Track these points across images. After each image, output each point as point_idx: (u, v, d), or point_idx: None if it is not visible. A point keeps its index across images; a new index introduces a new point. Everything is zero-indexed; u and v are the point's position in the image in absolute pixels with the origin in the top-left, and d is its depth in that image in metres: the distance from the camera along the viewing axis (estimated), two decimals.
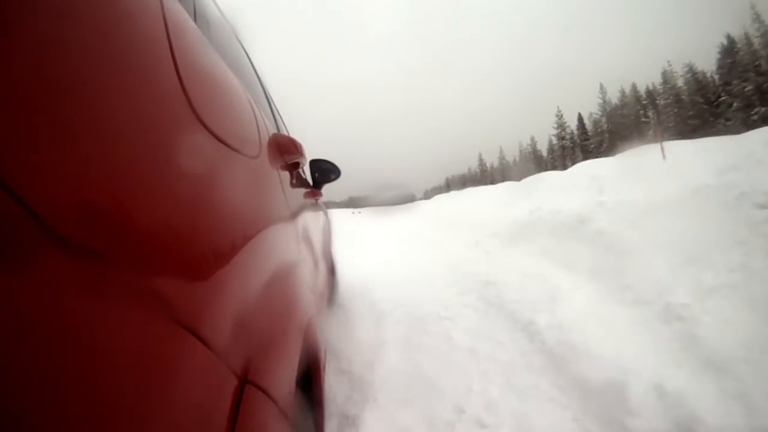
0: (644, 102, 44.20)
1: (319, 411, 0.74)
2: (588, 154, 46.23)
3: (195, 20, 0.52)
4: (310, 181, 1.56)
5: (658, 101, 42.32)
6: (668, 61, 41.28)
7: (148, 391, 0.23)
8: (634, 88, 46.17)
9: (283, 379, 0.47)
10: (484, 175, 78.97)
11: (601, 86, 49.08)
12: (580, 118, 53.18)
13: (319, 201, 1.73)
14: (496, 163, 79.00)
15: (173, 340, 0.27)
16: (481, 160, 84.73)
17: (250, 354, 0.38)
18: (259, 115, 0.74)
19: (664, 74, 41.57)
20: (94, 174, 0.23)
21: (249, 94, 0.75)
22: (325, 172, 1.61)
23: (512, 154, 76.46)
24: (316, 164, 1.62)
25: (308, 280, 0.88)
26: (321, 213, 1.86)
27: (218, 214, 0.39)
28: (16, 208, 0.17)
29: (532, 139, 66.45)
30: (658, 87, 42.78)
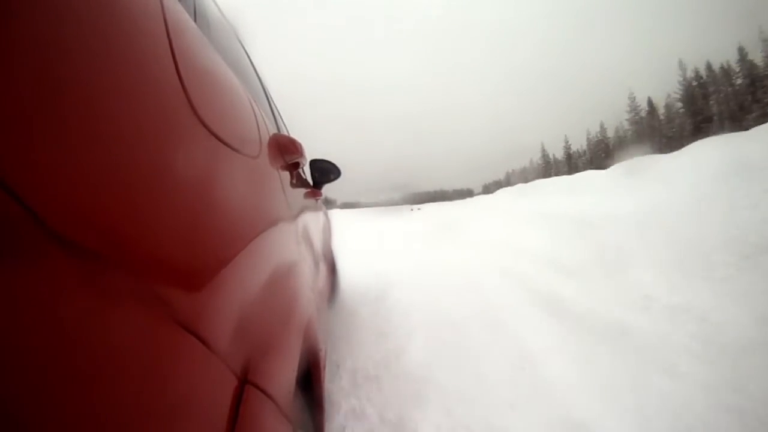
0: (733, 79, 38.96)
1: (319, 411, 0.74)
2: (670, 140, 41.11)
3: (195, 20, 0.52)
4: (311, 181, 1.56)
5: (734, 79, 38.64)
6: (760, 27, 35.96)
7: (148, 391, 0.23)
8: (709, 66, 40.53)
9: (283, 379, 0.47)
10: (548, 167, 72.11)
11: (680, 63, 42.27)
12: (650, 102, 47.62)
13: (318, 201, 1.73)
14: (560, 154, 71.33)
15: (173, 340, 0.27)
16: (543, 151, 76.38)
17: (250, 354, 0.38)
18: (259, 115, 0.74)
19: (740, 50, 38.06)
20: (94, 174, 0.22)
21: (249, 94, 0.75)
22: (324, 172, 1.63)
23: (578, 144, 69.22)
24: (316, 164, 1.63)
25: (308, 279, 0.88)
26: (321, 212, 1.86)
27: (218, 214, 0.39)
28: (16, 208, 0.17)
29: (601, 125, 57.16)
30: (734, 65, 38.86)
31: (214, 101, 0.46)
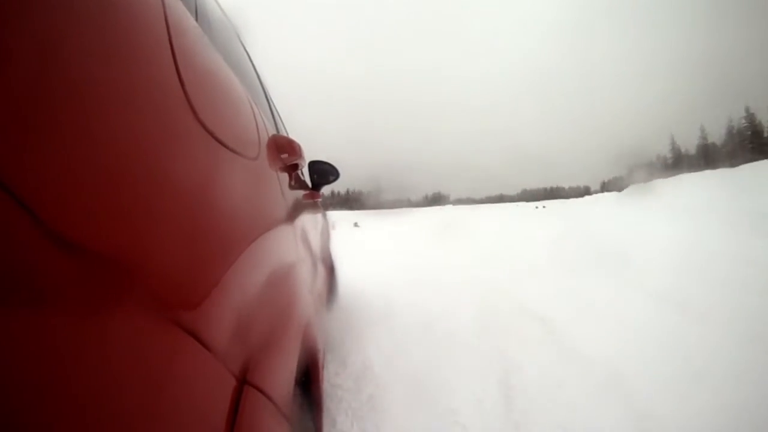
0: None
1: (317, 411, 0.74)
2: None
3: (196, 19, 0.52)
4: (309, 183, 1.55)
5: None
6: None
7: (148, 392, 0.23)
8: None
9: (282, 379, 0.47)
10: (679, 162, 58.95)
11: None
12: None
13: (317, 202, 1.72)
14: (692, 148, 59.80)
15: (172, 341, 0.27)
16: (673, 143, 62.42)
17: (249, 355, 0.38)
18: (258, 116, 0.74)
19: None
20: (93, 175, 0.22)
21: (249, 95, 0.75)
22: (323, 173, 1.62)
23: (716, 134, 55.85)
24: (314, 166, 1.62)
25: (307, 281, 0.88)
26: (320, 214, 1.86)
27: (217, 215, 0.39)
28: (16, 208, 0.17)
29: (747, 110, 45.59)
30: None
31: (214, 102, 0.46)
